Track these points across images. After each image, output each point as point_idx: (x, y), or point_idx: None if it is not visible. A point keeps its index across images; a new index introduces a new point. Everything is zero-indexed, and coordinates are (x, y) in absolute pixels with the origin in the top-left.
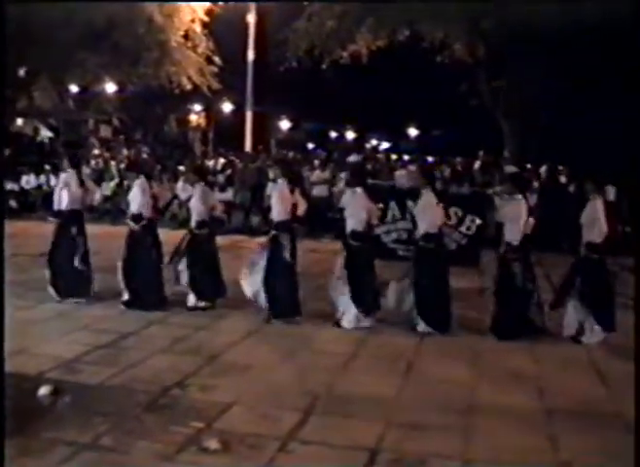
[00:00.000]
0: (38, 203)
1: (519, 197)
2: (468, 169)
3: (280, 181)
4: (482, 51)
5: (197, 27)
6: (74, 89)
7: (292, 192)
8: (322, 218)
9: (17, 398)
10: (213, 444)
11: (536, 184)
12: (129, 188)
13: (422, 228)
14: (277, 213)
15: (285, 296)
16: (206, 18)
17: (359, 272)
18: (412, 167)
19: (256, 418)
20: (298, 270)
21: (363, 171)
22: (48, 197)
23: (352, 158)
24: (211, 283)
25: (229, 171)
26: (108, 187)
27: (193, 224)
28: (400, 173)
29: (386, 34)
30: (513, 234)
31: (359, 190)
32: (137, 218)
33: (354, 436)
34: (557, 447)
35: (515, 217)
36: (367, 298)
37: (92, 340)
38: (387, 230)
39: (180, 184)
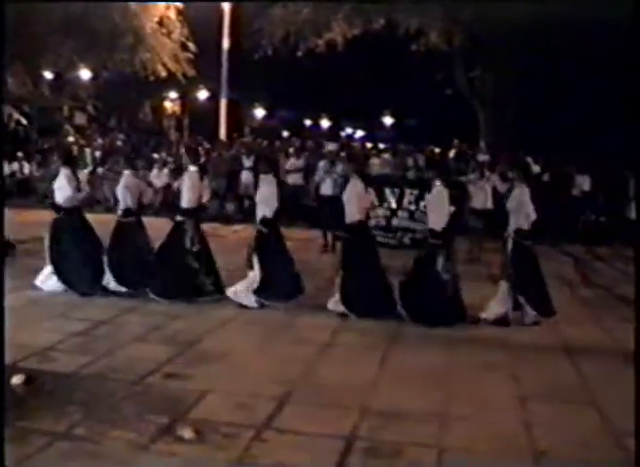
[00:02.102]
0: (12, 191)
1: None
2: (443, 158)
3: (192, 169)
4: (459, 39)
5: (172, 14)
6: (48, 75)
7: (201, 179)
8: (297, 206)
9: None
10: (187, 433)
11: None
12: (105, 176)
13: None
14: (187, 201)
15: (170, 277)
16: (180, 5)
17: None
18: (387, 156)
19: (231, 407)
20: None
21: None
22: (21, 184)
23: (330, 146)
24: (133, 270)
25: (203, 159)
26: (82, 174)
27: (118, 212)
28: (375, 161)
29: (362, 22)
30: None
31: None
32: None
33: (330, 425)
34: (532, 435)
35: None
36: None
37: (67, 327)
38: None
39: (155, 172)
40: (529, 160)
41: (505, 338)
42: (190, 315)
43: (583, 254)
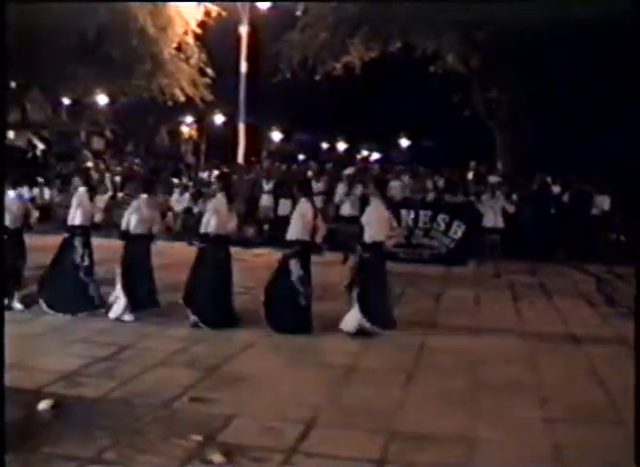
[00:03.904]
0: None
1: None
2: (462, 179)
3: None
4: (475, 61)
5: (190, 39)
6: (66, 101)
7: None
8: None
9: (17, 412)
10: (216, 457)
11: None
12: (124, 201)
13: None
14: (73, 218)
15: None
16: (199, 30)
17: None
18: (406, 178)
19: (258, 431)
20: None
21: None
22: (42, 209)
23: (348, 170)
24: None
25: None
26: (102, 200)
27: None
28: (394, 184)
29: (379, 45)
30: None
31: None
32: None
33: (358, 448)
34: (561, 456)
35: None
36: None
37: (91, 352)
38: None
39: (175, 196)
40: (548, 180)
41: (530, 357)
42: (211, 340)
43: (603, 273)
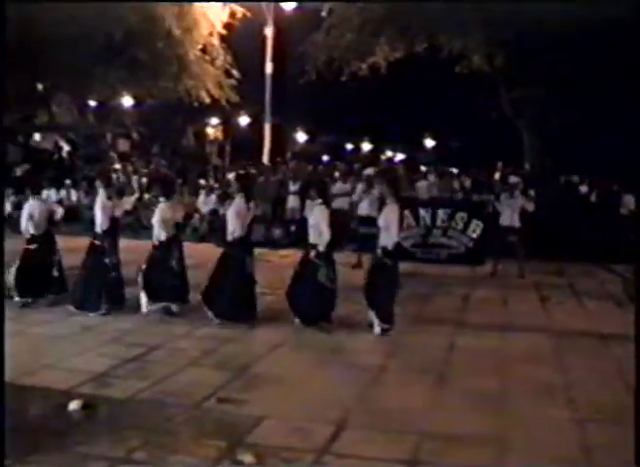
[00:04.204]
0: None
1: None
2: (488, 180)
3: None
4: (501, 61)
5: (216, 41)
6: (93, 103)
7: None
8: (344, 230)
9: (48, 413)
10: (247, 457)
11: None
12: (151, 203)
13: None
14: (101, 224)
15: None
16: (224, 32)
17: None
18: (432, 178)
19: (289, 432)
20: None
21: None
22: (69, 211)
23: (367, 170)
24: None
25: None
26: (129, 201)
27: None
28: (421, 184)
29: (405, 46)
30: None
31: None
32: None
33: (389, 449)
34: (590, 457)
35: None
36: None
37: (121, 353)
38: (405, 236)
39: (202, 198)
40: (575, 180)
41: (558, 358)
42: (240, 339)
43: (630, 273)
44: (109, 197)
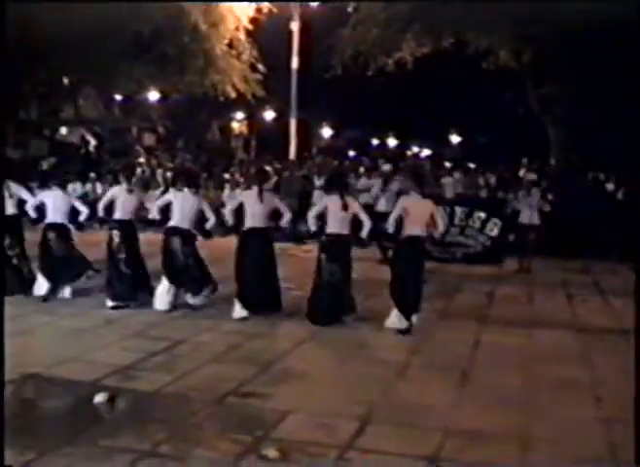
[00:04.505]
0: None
1: None
2: (514, 177)
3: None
4: (529, 57)
5: (242, 35)
6: (118, 97)
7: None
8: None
9: (73, 405)
10: (272, 452)
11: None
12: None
13: None
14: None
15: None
16: (250, 27)
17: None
18: (457, 174)
19: (313, 427)
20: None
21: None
22: (94, 205)
23: (385, 166)
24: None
25: (275, 178)
26: (154, 195)
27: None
28: (446, 181)
29: (431, 41)
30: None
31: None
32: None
33: (412, 445)
34: (616, 456)
35: None
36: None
37: (146, 346)
38: None
39: (227, 192)
40: (602, 177)
41: (584, 355)
42: (266, 334)
43: None
44: (130, 191)
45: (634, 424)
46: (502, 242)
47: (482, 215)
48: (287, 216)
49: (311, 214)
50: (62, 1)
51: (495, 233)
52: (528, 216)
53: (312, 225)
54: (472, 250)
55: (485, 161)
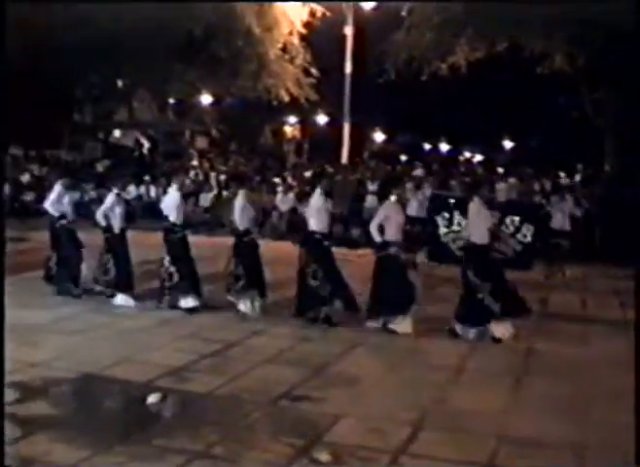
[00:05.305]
0: (138, 214)
1: None
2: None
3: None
4: (583, 61)
5: (295, 39)
6: (172, 100)
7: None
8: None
9: (126, 405)
10: (324, 456)
11: None
12: (229, 200)
13: None
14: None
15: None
16: (304, 31)
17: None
18: (512, 180)
19: (365, 431)
20: None
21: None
22: (147, 207)
23: (417, 171)
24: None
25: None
26: (207, 198)
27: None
28: (500, 186)
29: (485, 45)
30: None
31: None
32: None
33: (466, 451)
34: None
35: None
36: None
37: (199, 348)
38: (455, 237)
39: (279, 196)
40: None
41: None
42: (318, 338)
43: None
44: (184, 197)
45: (634, 424)
46: (534, 248)
47: (516, 220)
48: None
49: (373, 225)
50: (112, 1)
51: (528, 238)
52: (560, 222)
53: (377, 236)
54: (501, 256)
55: (538, 165)
